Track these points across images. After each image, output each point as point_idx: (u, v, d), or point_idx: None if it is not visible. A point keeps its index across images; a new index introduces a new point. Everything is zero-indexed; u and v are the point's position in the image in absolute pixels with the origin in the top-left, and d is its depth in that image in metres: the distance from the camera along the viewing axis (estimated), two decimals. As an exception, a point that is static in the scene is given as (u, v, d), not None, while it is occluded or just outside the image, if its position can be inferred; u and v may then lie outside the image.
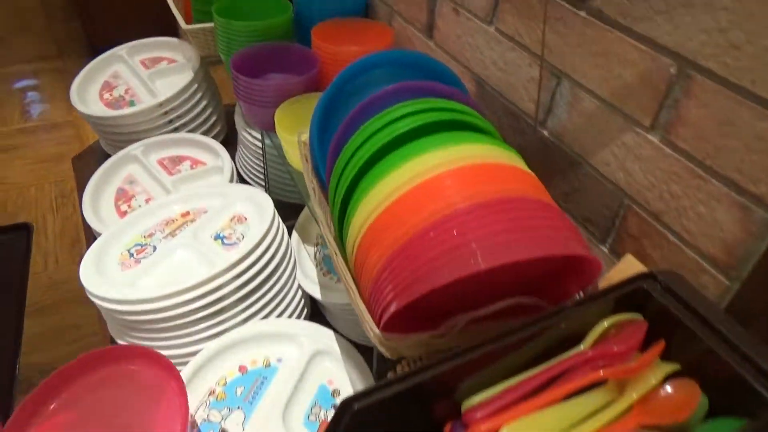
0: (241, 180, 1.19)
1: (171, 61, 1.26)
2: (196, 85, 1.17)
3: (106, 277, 0.82)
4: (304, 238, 0.97)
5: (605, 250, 0.68)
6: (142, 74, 1.20)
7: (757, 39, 0.47)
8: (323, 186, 0.69)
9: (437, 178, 0.51)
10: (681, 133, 0.56)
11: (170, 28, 1.42)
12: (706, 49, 0.52)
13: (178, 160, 1.13)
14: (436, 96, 0.63)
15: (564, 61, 0.67)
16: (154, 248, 0.87)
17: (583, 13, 0.63)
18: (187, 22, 1.11)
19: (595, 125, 0.65)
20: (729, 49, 0.50)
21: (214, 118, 1.25)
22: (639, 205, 0.62)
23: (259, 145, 1.09)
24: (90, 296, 0.79)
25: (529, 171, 0.58)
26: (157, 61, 1.27)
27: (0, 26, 2.92)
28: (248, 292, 0.81)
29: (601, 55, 0.62)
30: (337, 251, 0.61)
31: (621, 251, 0.66)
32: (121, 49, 1.26)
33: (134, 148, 1.10)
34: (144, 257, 0.85)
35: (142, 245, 0.88)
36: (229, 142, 1.27)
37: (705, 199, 0.55)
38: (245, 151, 1.17)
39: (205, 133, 1.21)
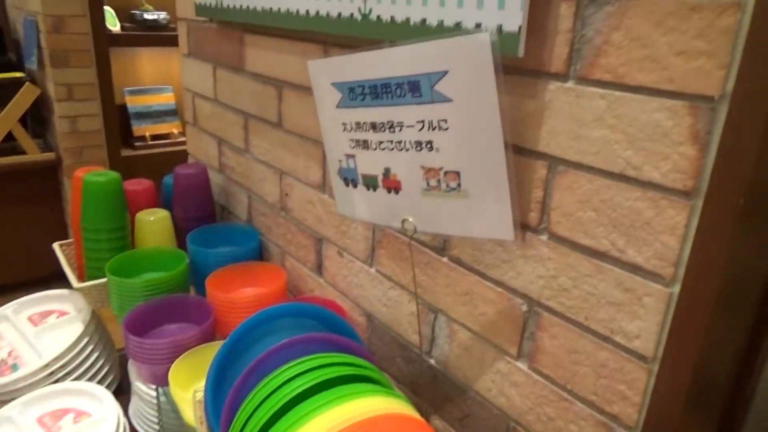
0: (135, 432, 1.12)
1: (62, 313, 1.23)
2: (87, 338, 1.14)
3: None
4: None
5: (506, 474, 0.71)
6: (29, 333, 1.16)
7: (580, 284, 0.58)
8: (222, 447, 0.68)
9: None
10: (542, 360, 0.63)
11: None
12: (545, 291, 0.62)
13: (60, 414, 1.05)
14: (329, 347, 0.67)
15: (437, 298, 0.76)
16: None
17: (445, 259, 0.74)
18: (80, 278, 1.13)
19: (473, 355, 0.72)
20: (561, 291, 0.60)
21: (105, 369, 1.20)
22: (523, 428, 0.67)
23: (154, 394, 1.05)
24: None
25: (418, 417, 0.61)
26: (46, 315, 1.24)
27: None
28: None
29: (465, 294, 0.71)
30: None
31: (519, 474, 0.69)
32: (6, 308, 1.22)
33: (10, 409, 1.02)
34: None
35: None
36: (123, 390, 1.21)
37: (574, 419, 0.61)
38: (140, 402, 1.12)
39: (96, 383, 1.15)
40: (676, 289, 0.51)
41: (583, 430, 0.60)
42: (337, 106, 0.72)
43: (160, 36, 2.69)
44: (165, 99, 2.85)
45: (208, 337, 0.90)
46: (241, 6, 0.96)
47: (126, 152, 2.69)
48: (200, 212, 1.17)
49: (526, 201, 0.62)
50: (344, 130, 0.72)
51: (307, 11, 0.81)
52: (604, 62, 0.52)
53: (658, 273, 0.52)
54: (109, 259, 1.04)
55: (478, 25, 0.58)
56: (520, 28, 0.54)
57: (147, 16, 2.64)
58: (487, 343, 0.70)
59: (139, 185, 1.19)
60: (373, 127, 0.68)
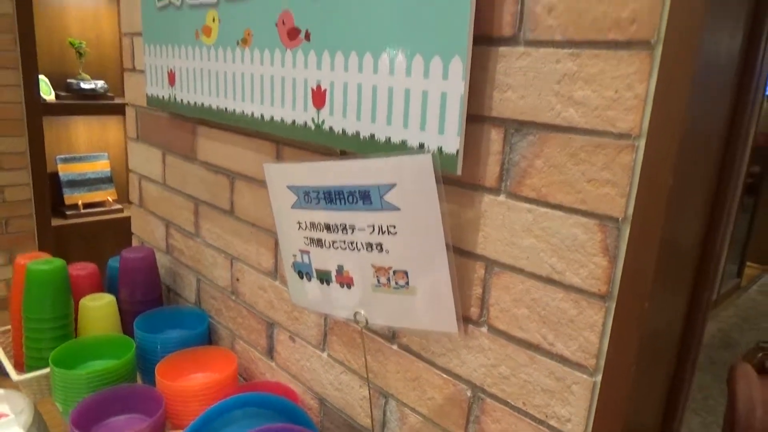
0: None
1: (1, 416, 1.18)
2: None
3: None
4: None
5: None
6: (-44, 428, 1.10)
7: (517, 373, 0.65)
8: None
9: None
10: (487, 443, 0.69)
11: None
12: (487, 378, 0.68)
13: None
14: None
15: (388, 383, 0.81)
16: None
17: (395, 347, 0.79)
18: (18, 368, 1.09)
19: (423, 437, 0.77)
20: (501, 379, 0.67)
21: (41, 462, 1.15)
22: (473, 508, 0.72)
23: (97, 488, 1.02)
24: None
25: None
26: (-25, 408, 1.17)
27: None
28: None
29: (415, 380, 0.77)
30: None
31: None
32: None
33: None
34: None
35: None
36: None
37: (519, 498, 0.66)
38: (79, 497, 1.07)
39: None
40: (599, 378, 0.59)
41: None
42: (293, 207, 0.78)
43: (96, 105, 2.68)
44: (100, 166, 2.80)
45: (159, 429, 0.90)
46: (195, 103, 1.02)
47: (57, 221, 2.60)
48: (147, 296, 1.17)
49: (468, 297, 0.69)
50: (299, 228, 0.78)
51: (262, 115, 0.87)
52: (530, 182, 0.61)
53: (583, 364, 0.60)
54: (51, 349, 1.02)
55: (421, 145, 0.66)
56: (457, 151, 0.62)
57: (84, 85, 2.63)
58: (436, 426, 0.75)
59: (82, 270, 1.18)
60: (327, 228, 0.74)
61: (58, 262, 1.07)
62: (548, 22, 0.58)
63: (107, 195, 2.78)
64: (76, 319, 1.12)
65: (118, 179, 2.88)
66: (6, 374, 1.15)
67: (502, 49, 0.62)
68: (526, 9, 0.59)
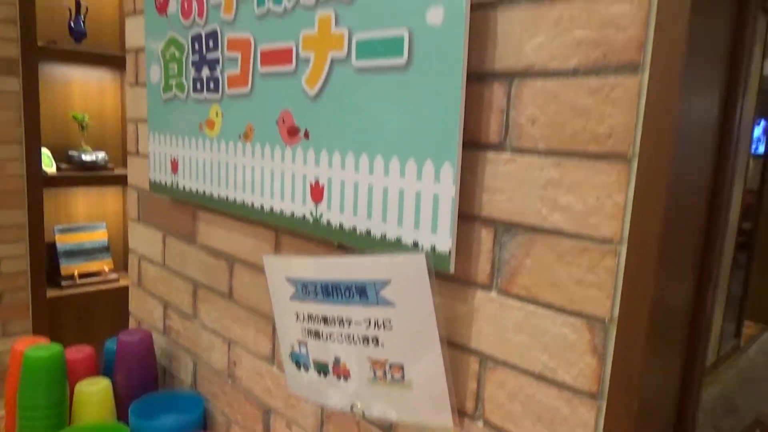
0: None
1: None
2: None
3: None
4: None
5: None
6: None
7: (513, 469, 0.65)
8: None
9: None
10: None
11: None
12: (483, 474, 0.68)
13: None
14: None
15: (385, 475, 0.80)
16: None
17: (391, 437, 0.79)
18: (9, 456, 1.08)
19: None
20: (498, 475, 0.67)
21: None
22: None
23: None
24: None
25: None
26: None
27: None
28: None
29: (412, 473, 0.77)
30: None
31: None
32: None
33: None
34: None
35: None
36: None
37: None
38: None
39: None
40: (594, 476, 0.59)
41: None
42: (291, 299, 0.80)
43: (96, 176, 2.73)
44: (98, 236, 2.82)
45: None
46: (196, 190, 1.05)
47: (52, 292, 2.59)
48: (143, 379, 1.17)
49: (463, 391, 0.70)
50: (297, 319, 0.80)
51: (262, 205, 0.90)
52: (520, 281, 0.64)
53: (578, 461, 0.60)
54: (45, 437, 1.01)
55: (415, 243, 0.69)
56: (450, 251, 0.65)
57: (85, 157, 2.69)
58: None
59: (78, 353, 1.18)
60: (324, 320, 0.76)
61: (56, 348, 1.07)
62: (532, 132, 0.62)
63: (104, 265, 2.79)
64: (71, 404, 1.11)
65: (116, 249, 2.90)
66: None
67: (490, 155, 0.66)
68: (511, 119, 0.64)
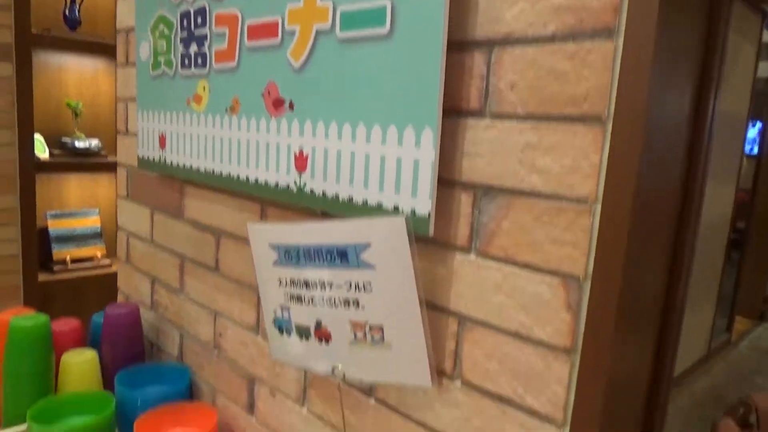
0: None
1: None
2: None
3: None
4: None
5: None
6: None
7: (490, 425, 0.67)
8: None
9: None
10: (462, 500, 0.70)
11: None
12: (461, 431, 0.70)
13: None
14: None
15: (366, 440, 0.82)
16: None
17: (372, 401, 0.81)
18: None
19: (400, 495, 0.77)
20: (474, 431, 0.68)
21: None
22: None
23: None
24: None
25: None
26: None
27: None
28: None
29: (392, 436, 0.78)
30: None
31: None
32: None
33: None
34: None
35: None
36: None
37: None
38: None
39: None
40: (567, 430, 0.61)
41: None
42: (274, 264, 0.81)
43: (89, 163, 2.72)
44: (90, 222, 2.82)
45: (136, 489, 0.89)
46: (183, 165, 1.06)
47: (44, 277, 2.59)
48: (130, 351, 1.18)
49: (441, 351, 0.71)
50: (280, 285, 0.81)
51: (247, 177, 0.91)
52: (498, 243, 0.65)
53: (551, 416, 0.62)
54: (30, 404, 1.02)
55: (396, 207, 0.70)
56: (429, 214, 0.66)
57: (78, 144, 2.68)
58: (412, 483, 0.76)
59: (65, 326, 1.19)
60: (306, 284, 0.77)
61: (42, 318, 1.08)
62: (511, 98, 0.63)
63: (96, 250, 2.79)
64: (57, 375, 1.12)
65: (108, 235, 2.90)
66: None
67: (470, 120, 0.67)
68: (491, 86, 0.65)
